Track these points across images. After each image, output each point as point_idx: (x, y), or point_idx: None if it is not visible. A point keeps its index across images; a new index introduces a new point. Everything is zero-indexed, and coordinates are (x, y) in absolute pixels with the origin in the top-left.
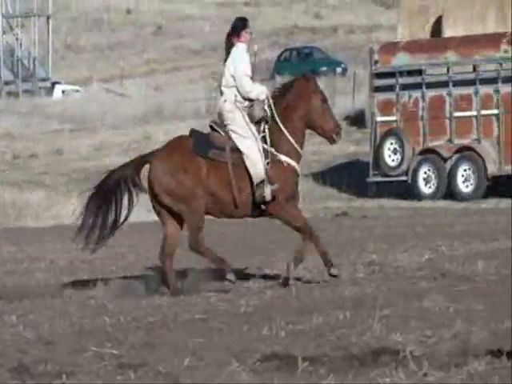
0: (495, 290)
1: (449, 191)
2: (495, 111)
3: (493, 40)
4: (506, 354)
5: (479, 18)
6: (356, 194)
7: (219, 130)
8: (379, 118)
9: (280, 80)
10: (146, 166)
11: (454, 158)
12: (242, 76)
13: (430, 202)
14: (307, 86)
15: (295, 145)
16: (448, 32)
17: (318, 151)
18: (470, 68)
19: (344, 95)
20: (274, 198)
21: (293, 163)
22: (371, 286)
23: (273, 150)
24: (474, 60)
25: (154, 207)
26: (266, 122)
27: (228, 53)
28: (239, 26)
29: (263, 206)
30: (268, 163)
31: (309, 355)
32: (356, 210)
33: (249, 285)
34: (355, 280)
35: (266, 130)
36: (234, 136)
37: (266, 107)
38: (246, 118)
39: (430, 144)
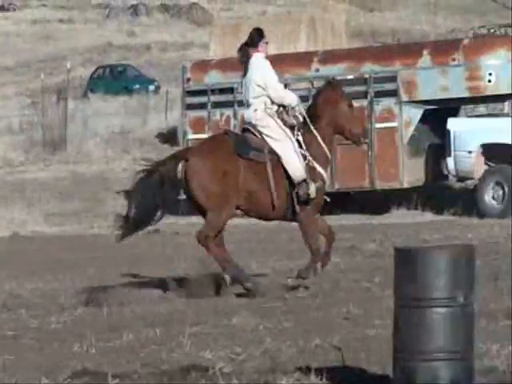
0: (304, 307)
1: None
2: None
3: (304, 59)
4: (315, 370)
5: (291, 37)
6: (168, 211)
7: (255, 133)
8: (191, 136)
9: (93, 98)
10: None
11: None
12: (275, 84)
13: (241, 220)
14: (334, 92)
15: (326, 151)
16: None
17: (130, 168)
18: None
19: (157, 113)
20: (306, 204)
21: (322, 171)
22: (181, 303)
23: (308, 154)
24: (286, 79)
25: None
26: (299, 129)
27: (245, 64)
28: (256, 38)
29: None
30: (307, 164)
31: (119, 372)
32: (168, 227)
33: (61, 301)
34: (166, 297)
35: (300, 137)
36: (269, 140)
37: (297, 114)
38: (279, 121)
39: None
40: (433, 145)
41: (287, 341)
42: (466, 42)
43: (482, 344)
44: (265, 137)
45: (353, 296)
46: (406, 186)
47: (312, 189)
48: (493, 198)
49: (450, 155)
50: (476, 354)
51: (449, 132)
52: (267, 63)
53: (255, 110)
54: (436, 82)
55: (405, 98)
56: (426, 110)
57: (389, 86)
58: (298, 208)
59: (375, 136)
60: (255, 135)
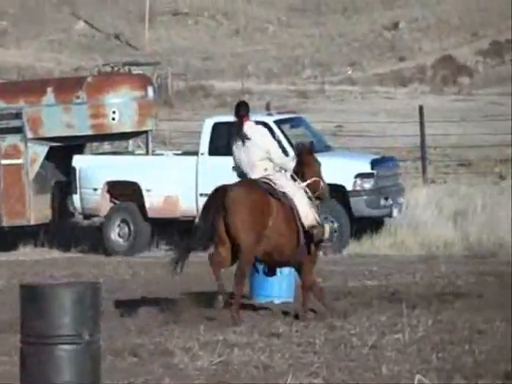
0: None
1: None
2: None
3: None
4: None
5: None
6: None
7: (271, 184)
8: None
9: None
10: None
11: None
12: (278, 150)
13: None
14: (311, 156)
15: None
16: None
17: None
18: None
19: None
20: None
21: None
22: None
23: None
24: None
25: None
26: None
27: (240, 132)
28: (245, 110)
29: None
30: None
31: None
32: None
33: None
34: None
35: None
36: (284, 190)
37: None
38: (288, 177)
39: None
40: (59, 182)
41: None
42: (89, 79)
43: (109, 381)
44: (280, 187)
45: None
46: (32, 222)
47: (327, 228)
48: (119, 235)
49: (75, 192)
50: None
51: (74, 169)
52: (265, 130)
53: (266, 170)
54: (61, 119)
55: (30, 134)
56: (51, 147)
57: (14, 123)
58: (312, 248)
59: (1, 173)
60: (271, 186)
